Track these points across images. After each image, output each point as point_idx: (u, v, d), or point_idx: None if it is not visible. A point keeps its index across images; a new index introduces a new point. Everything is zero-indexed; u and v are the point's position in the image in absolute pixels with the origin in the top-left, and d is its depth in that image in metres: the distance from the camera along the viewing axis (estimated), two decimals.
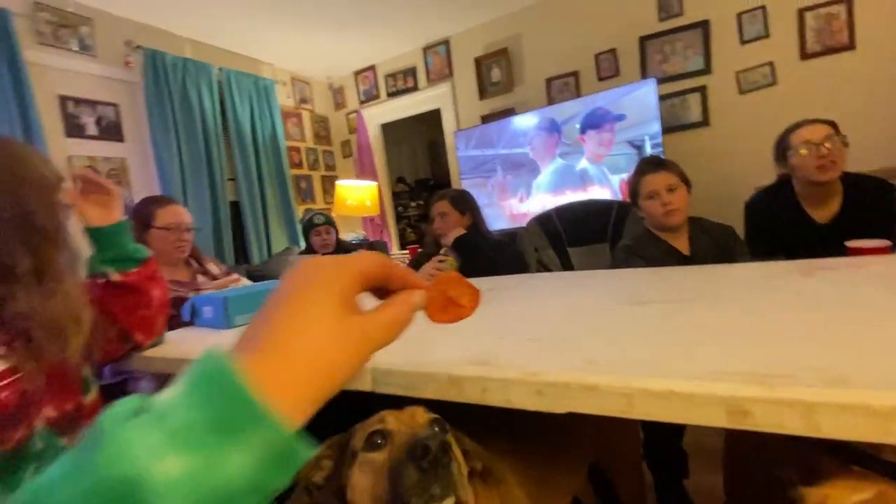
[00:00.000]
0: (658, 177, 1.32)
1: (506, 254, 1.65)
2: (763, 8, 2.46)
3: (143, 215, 1.39)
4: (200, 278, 1.45)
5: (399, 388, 0.53)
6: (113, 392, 1.00)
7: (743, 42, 2.54)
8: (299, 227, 3.46)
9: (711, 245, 1.30)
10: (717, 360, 0.42)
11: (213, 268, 1.51)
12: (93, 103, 2.48)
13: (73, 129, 2.38)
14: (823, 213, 1.39)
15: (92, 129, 2.46)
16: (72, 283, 0.74)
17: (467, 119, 3.46)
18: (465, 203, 1.75)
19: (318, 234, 2.23)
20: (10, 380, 0.67)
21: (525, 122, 2.97)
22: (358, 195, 3.34)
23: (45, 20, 2.30)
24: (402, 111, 3.83)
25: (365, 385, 0.56)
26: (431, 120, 3.89)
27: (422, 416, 0.53)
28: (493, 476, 0.54)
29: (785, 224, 1.43)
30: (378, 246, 2.65)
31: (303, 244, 3.37)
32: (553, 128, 2.86)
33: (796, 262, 0.88)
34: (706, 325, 0.55)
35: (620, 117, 2.63)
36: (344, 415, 0.61)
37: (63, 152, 2.31)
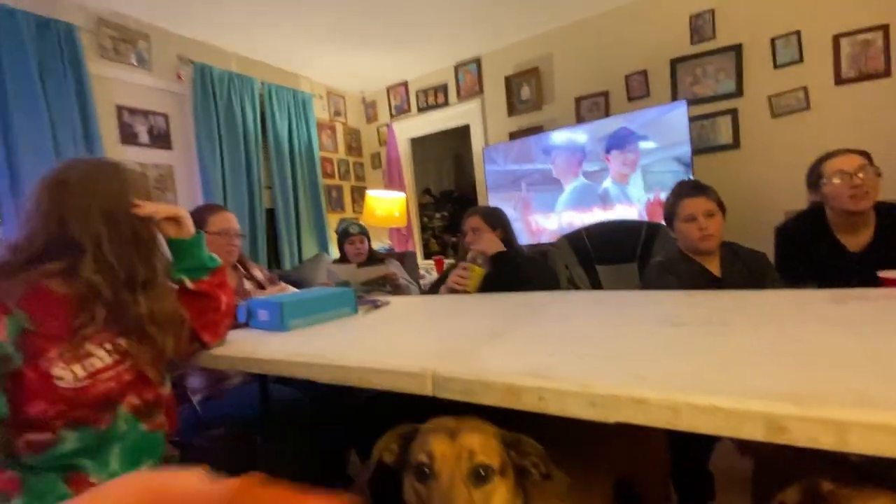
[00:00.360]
0: (698, 202, 1.35)
1: (538, 270, 1.70)
2: (798, 33, 2.48)
3: (196, 222, 1.49)
4: (247, 284, 1.54)
5: (458, 394, 0.59)
6: (174, 384, 1.08)
7: (776, 66, 2.55)
8: (330, 235, 3.58)
9: (743, 269, 1.32)
10: (755, 380, 0.47)
11: (258, 273, 1.61)
12: (145, 113, 2.64)
13: (128, 136, 2.55)
14: (856, 241, 1.40)
15: (144, 137, 2.62)
16: (170, 287, 0.85)
17: (495, 135, 3.54)
18: (496, 219, 1.81)
19: (353, 243, 2.31)
20: (114, 371, 0.76)
21: (555, 138, 3.02)
22: (387, 206, 3.44)
23: (108, 35, 2.48)
24: (432, 126, 3.94)
25: (425, 389, 0.63)
26: (458, 134, 3.98)
27: (471, 452, 0.58)
28: (553, 480, 0.59)
29: (817, 251, 1.44)
30: (406, 256, 2.73)
31: (332, 251, 3.49)
32: (576, 147, 2.92)
33: (829, 291, 0.91)
34: (743, 348, 0.60)
35: (643, 138, 2.67)
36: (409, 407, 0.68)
37: (118, 158, 2.46)
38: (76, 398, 0.71)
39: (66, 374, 0.71)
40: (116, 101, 2.51)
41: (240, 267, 1.60)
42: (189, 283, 0.92)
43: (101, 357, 0.76)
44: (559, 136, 2.99)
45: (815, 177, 1.45)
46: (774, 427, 0.40)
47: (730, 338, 0.66)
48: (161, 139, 2.71)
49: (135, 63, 2.59)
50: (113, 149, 2.45)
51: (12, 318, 0.69)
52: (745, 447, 0.92)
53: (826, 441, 0.38)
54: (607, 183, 2.83)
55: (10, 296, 0.70)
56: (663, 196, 2.55)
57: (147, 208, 0.84)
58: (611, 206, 2.83)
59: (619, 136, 2.76)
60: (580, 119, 3.13)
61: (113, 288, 0.76)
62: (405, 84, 3.92)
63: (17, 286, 0.71)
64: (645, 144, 2.67)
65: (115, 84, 2.51)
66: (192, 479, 0.42)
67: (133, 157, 2.56)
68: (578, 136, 2.91)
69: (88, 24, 2.40)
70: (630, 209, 2.76)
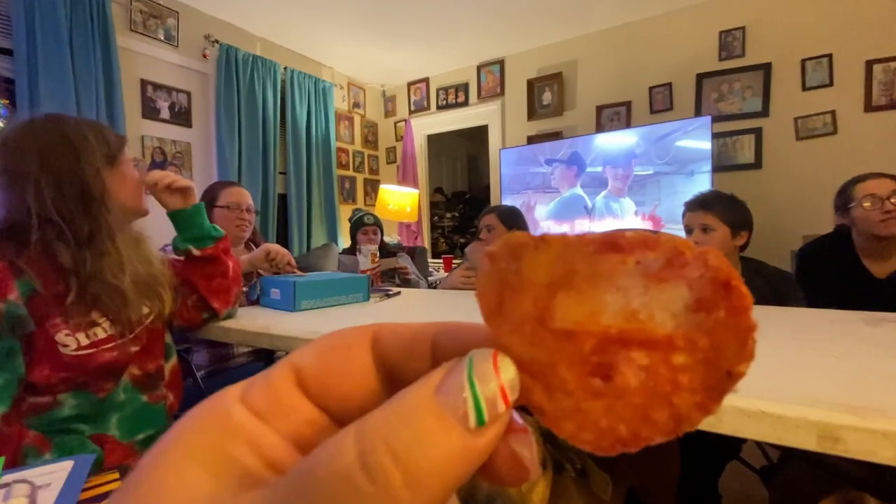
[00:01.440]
0: (694, 216, 1.38)
1: None
2: (829, 56, 2.45)
3: (208, 196, 1.49)
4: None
5: None
6: (180, 357, 1.07)
7: (805, 88, 2.52)
8: (339, 225, 3.57)
9: (765, 287, 1.29)
10: (805, 388, 0.44)
11: None
12: (169, 89, 2.65)
13: (149, 111, 2.55)
14: (883, 268, 1.37)
15: (165, 112, 2.63)
16: (124, 243, 0.79)
17: (513, 138, 3.52)
18: (512, 219, 1.79)
19: (366, 233, 2.29)
20: (114, 343, 0.74)
21: (570, 146, 3.01)
22: (399, 200, 3.43)
23: (139, 10, 2.49)
24: (450, 124, 3.92)
25: None
26: (474, 135, 3.96)
27: None
28: (590, 479, 0.57)
29: (841, 275, 1.41)
30: (418, 252, 2.70)
31: (341, 242, 3.48)
32: (574, 159, 2.95)
33: (860, 313, 0.88)
34: (784, 359, 0.57)
35: (634, 155, 2.73)
36: None
37: (138, 131, 2.48)
38: (79, 365, 0.70)
39: (71, 341, 0.70)
40: (141, 75, 2.52)
41: (253, 246, 1.59)
42: (195, 251, 0.91)
43: (104, 327, 0.74)
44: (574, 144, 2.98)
45: (844, 199, 1.43)
46: (829, 437, 0.38)
47: (766, 348, 0.63)
48: (182, 116, 2.71)
49: (162, 39, 2.60)
50: (134, 122, 2.45)
51: (22, 280, 0.68)
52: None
53: (887, 454, 0.36)
54: (601, 196, 2.86)
55: (16, 257, 0.68)
56: (659, 210, 2.60)
57: (152, 176, 0.83)
58: (600, 219, 2.86)
59: (612, 152, 2.81)
60: (600, 128, 3.11)
61: (70, 252, 0.72)
62: (426, 81, 3.92)
63: (19, 249, 0.70)
64: (647, 163, 2.66)
65: (141, 58, 2.52)
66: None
67: (153, 131, 2.57)
68: (591, 145, 2.90)
69: None
70: (618, 222, 2.80)
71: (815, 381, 0.48)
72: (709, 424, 0.43)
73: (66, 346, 0.69)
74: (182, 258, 0.95)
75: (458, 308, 1.12)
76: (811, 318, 0.85)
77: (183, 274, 0.93)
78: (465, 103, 3.74)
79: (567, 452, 0.58)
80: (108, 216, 0.76)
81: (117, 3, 2.38)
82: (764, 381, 0.48)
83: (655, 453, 0.89)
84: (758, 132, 2.65)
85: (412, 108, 4.03)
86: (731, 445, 1.20)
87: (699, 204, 1.41)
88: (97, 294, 0.74)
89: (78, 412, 0.73)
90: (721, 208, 1.37)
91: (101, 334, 0.73)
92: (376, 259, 1.89)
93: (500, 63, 3.55)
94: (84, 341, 0.71)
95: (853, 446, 0.37)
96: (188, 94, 2.74)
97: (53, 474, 0.52)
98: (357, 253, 1.94)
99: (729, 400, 0.40)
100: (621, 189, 2.80)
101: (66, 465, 0.56)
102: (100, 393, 0.75)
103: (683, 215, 1.45)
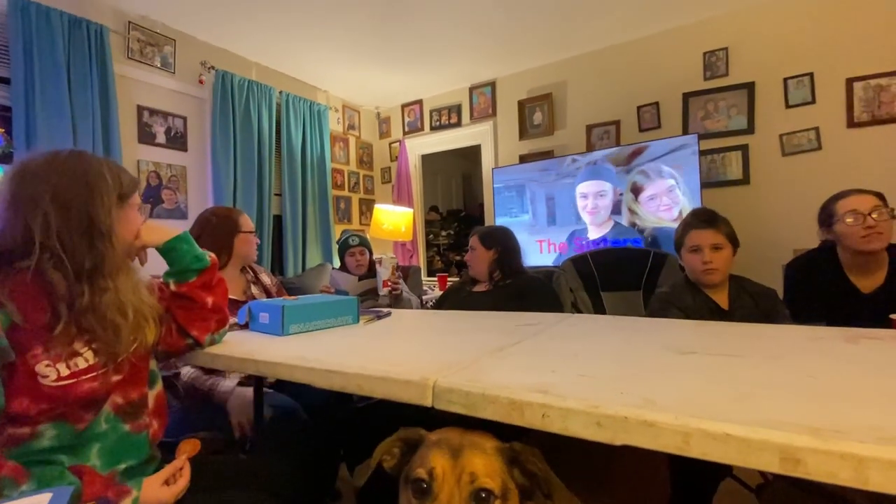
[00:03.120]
0: (705, 234, 1.33)
1: (536, 290, 1.69)
2: (810, 75, 2.51)
3: (231, 223, 1.52)
4: (254, 289, 1.53)
5: (459, 406, 0.58)
6: (166, 382, 1.07)
7: (788, 106, 2.57)
8: (334, 246, 3.58)
9: (752, 304, 1.30)
10: (769, 411, 0.45)
11: (266, 278, 1.60)
12: (165, 114, 2.69)
13: (146, 136, 2.59)
14: (868, 282, 1.38)
15: (161, 137, 2.67)
16: (123, 281, 0.80)
17: (506, 157, 3.57)
18: (491, 239, 1.81)
19: (353, 255, 2.30)
20: (95, 373, 0.75)
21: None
22: (394, 220, 3.45)
23: (136, 38, 2.55)
24: (443, 144, 3.98)
25: (425, 400, 0.61)
26: (468, 154, 4.01)
27: (473, 475, 0.55)
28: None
29: (827, 290, 1.42)
30: (412, 271, 2.72)
31: (335, 262, 3.49)
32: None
33: (840, 329, 0.89)
34: (755, 379, 0.58)
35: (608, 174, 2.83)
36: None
37: (134, 156, 2.51)
38: (59, 397, 0.70)
39: (51, 371, 0.70)
40: (138, 101, 2.56)
41: (249, 270, 1.60)
42: (174, 286, 0.93)
43: (86, 357, 0.74)
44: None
45: (827, 215, 1.45)
46: (790, 459, 0.38)
47: (740, 368, 0.64)
48: (178, 140, 2.75)
49: (159, 66, 2.66)
50: (130, 147, 2.49)
51: (2, 311, 0.68)
52: None
53: (844, 476, 0.36)
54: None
55: (1, 288, 0.69)
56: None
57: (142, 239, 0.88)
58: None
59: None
60: (590, 147, 3.16)
61: (67, 282, 0.73)
62: (420, 102, 3.99)
63: (2, 278, 0.70)
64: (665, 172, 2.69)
65: (138, 85, 2.56)
66: None
67: (149, 156, 2.60)
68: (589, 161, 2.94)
69: (118, 26, 2.47)
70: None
71: (783, 401, 0.49)
72: (676, 447, 0.43)
73: (45, 376, 0.69)
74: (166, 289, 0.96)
75: (449, 329, 1.13)
76: (791, 336, 0.86)
77: (166, 304, 0.93)
78: (458, 124, 3.80)
79: (535, 477, 0.58)
80: (113, 253, 0.78)
81: (115, 31, 2.44)
82: (733, 403, 0.49)
83: (641, 474, 0.88)
84: (744, 149, 2.70)
85: (406, 129, 4.09)
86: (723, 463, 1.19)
87: (708, 221, 1.35)
88: (91, 327, 0.74)
89: (57, 443, 0.72)
90: (725, 225, 1.35)
91: (83, 364, 0.73)
92: (396, 271, 2.02)
93: (492, 85, 3.62)
94: (64, 372, 0.71)
95: (813, 468, 0.37)
96: (184, 118, 2.79)
97: None
98: (378, 265, 2.03)
99: (696, 423, 0.41)
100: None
101: (43, 498, 0.56)
102: (80, 424, 0.74)
103: (685, 233, 1.38)
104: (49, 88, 2.10)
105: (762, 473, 1.18)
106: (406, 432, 0.64)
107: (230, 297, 1.45)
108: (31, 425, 0.69)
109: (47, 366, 0.70)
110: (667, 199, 2.63)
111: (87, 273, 0.75)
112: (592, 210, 2.89)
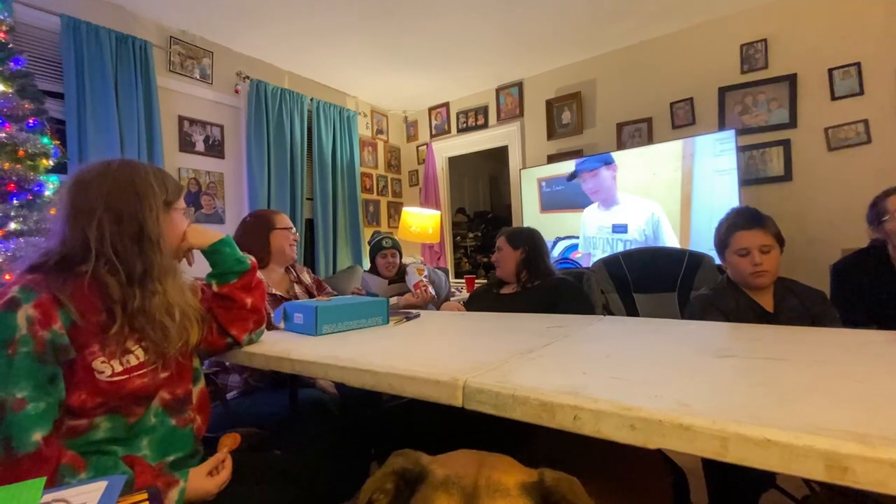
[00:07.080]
0: (754, 235, 1.24)
1: (565, 292, 1.66)
2: (858, 64, 2.38)
3: (266, 220, 1.60)
4: (297, 288, 1.60)
5: (489, 407, 0.58)
6: (208, 380, 1.12)
7: (834, 98, 2.45)
8: (364, 248, 3.64)
9: (798, 306, 1.24)
10: (814, 416, 0.43)
11: (306, 277, 1.68)
12: (203, 123, 2.81)
13: (186, 145, 2.71)
14: None
15: (200, 145, 2.79)
16: (171, 284, 0.86)
17: (534, 158, 3.54)
18: (520, 240, 1.79)
19: (385, 256, 2.34)
20: (145, 370, 0.79)
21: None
22: (422, 222, 3.48)
23: (178, 52, 2.68)
24: (470, 146, 3.99)
25: (455, 400, 0.62)
26: (495, 155, 4.00)
27: None
28: None
29: (877, 292, 1.35)
30: (441, 273, 2.74)
31: (365, 264, 3.55)
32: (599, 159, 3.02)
33: (890, 333, 0.84)
34: (799, 384, 0.56)
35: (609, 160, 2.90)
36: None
37: (175, 164, 2.64)
38: (113, 391, 0.75)
39: (106, 367, 0.75)
40: (179, 111, 2.69)
41: (292, 270, 1.66)
42: (215, 287, 0.99)
43: (137, 355, 0.79)
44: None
45: (876, 212, 1.37)
46: (836, 466, 0.37)
47: (783, 373, 0.61)
48: (215, 148, 2.87)
49: (198, 77, 2.78)
50: (171, 155, 2.61)
51: (64, 311, 0.73)
52: None
53: (895, 485, 0.35)
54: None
55: (61, 290, 0.74)
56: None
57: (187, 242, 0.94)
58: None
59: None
60: (621, 145, 3.09)
61: (121, 286, 0.78)
62: (447, 105, 4.01)
63: (63, 281, 0.76)
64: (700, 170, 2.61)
65: (178, 96, 2.69)
66: None
67: (189, 163, 2.72)
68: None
69: (161, 41, 2.60)
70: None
71: (828, 407, 0.47)
72: (714, 452, 0.42)
73: (101, 372, 0.74)
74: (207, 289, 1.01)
75: (478, 331, 1.13)
76: (837, 340, 0.82)
77: (208, 304, 0.98)
78: (485, 125, 3.80)
79: None
80: (161, 257, 0.83)
81: (158, 46, 2.57)
82: (775, 408, 0.47)
83: (638, 483, 0.84)
84: (786, 144, 2.58)
85: (433, 131, 4.12)
86: (765, 472, 1.14)
87: (755, 221, 1.27)
88: (142, 327, 0.80)
89: (112, 435, 0.77)
90: (772, 226, 1.28)
91: (134, 361, 0.78)
92: (423, 271, 2.14)
93: (519, 85, 3.61)
94: (118, 368, 0.76)
95: (862, 477, 0.36)
96: (221, 127, 2.90)
97: (88, 494, 0.55)
98: (406, 273, 2.17)
99: (735, 427, 0.40)
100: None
101: (99, 486, 0.60)
102: (131, 417, 0.79)
103: (730, 234, 1.30)
104: (98, 102, 2.23)
105: (808, 484, 1.12)
106: (402, 461, 0.48)
107: (276, 292, 1.52)
108: (88, 417, 0.74)
109: (103, 362, 0.75)
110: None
111: (138, 277, 0.81)
112: (593, 190, 3.01)
